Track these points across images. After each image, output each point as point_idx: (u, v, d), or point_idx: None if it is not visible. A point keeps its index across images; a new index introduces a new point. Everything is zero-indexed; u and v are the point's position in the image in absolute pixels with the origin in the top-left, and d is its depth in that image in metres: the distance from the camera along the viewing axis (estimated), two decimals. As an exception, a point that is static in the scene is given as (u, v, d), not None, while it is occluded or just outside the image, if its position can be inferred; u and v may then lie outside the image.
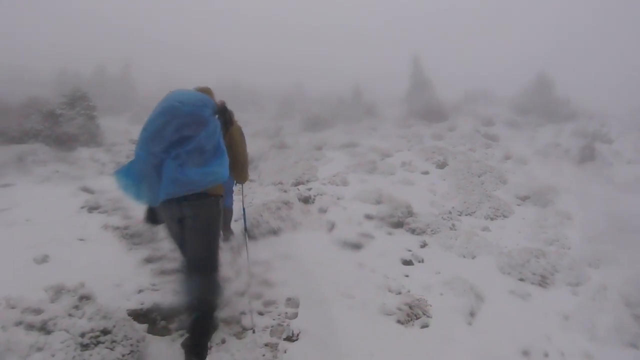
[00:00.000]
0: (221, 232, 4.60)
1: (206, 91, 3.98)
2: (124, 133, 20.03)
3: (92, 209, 7.68)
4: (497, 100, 28.06)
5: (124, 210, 7.72)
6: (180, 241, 3.74)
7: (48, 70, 34.35)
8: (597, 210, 10.48)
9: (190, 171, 3.26)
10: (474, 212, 10.17)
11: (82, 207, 7.71)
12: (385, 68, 41.28)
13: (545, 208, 10.81)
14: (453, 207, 10.33)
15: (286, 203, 8.23)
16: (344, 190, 10.93)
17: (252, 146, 19.30)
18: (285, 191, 10.04)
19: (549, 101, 24.57)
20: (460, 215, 9.99)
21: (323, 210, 8.90)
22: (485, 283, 6.52)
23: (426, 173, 13.42)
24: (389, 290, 5.83)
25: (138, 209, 6.34)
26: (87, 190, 9.23)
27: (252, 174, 14.63)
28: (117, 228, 6.78)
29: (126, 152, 14.54)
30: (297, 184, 11.79)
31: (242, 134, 4.21)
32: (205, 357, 3.57)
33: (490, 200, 10.63)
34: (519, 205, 11.06)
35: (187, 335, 3.64)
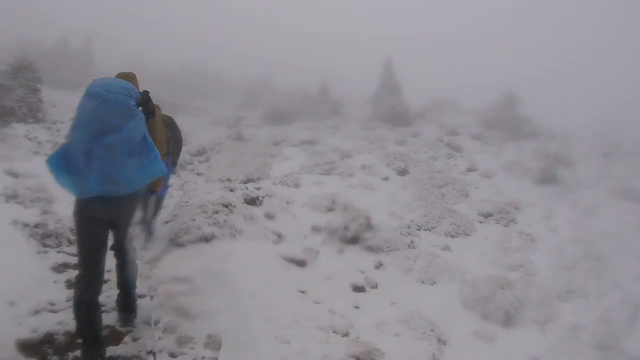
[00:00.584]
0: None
1: (129, 77, 3.94)
2: (74, 110, 18.38)
3: (10, 198, 6.68)
4: (463, 112, 27.37)
5: (43, 203, 6.79)
6: (101, 245, 3.40)
7: (8, 37, 32.22)
8: (563, 234, 9.72)
9: (127, 169, 3.16)
10: (434, 228, 9.19)
11: None
12: (356, 69, 40.47)
13: (508, 227, 9.95)
14: (412, 221, 9.35)
15: (227, 205, 7.04)
16: (298, 192, 9.88)
17: (208, 135, 18.23)
18: (231, 190, 8.71)
19: (512, 118, 24.16)
20: (419, 230, 9.04)
21: (269, 216, 7.79)
22: (447, 320, 5.52)
23: (386, 179, 12.45)
24: (334, 332, 4.69)
25: (60, 204, 6.13)
26: (11, 173, 8.18)
27: (201, 167, 13.46)
28: (27, 225, 5.72)
29: (67, 131, 12.70)
30: (246, 181, 10.64)
31: (162, 127, 4.20)
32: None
33: (452, 215, 9.68)
34: (481, 222, 10.14)
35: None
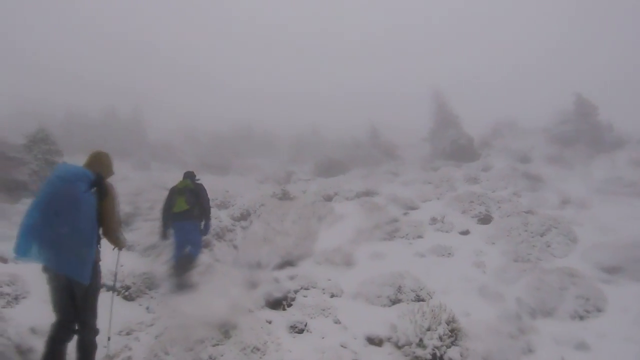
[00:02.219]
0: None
1: (98, 158, 4.18)
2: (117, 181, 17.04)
3: None
4: (528, 132, 24.13)
5: (4, 298, 5.52)
6: (65, 303, 3.72)
7: (57, 108, 32.91)
8: None
9: (70, 261, 3.52)
10: (555, 309, 6.10)
11: None
12: (405, 107, 38.63)
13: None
14: (519, 300, 6.27)
15: (224, 332, 4.59)
16: (350, 274, 7.29)
17: (252, 195, 16.07)
18: (253, 285, 6.32)
19: (591, 128, 20.75)
20: (533, 317, 5.97)
21: (297, 330, 5.11)
22: None
23: (466, 233, 9.59)
24: None
25: (27, 303, 5.55)
26: None
27: (239, 236, 11.14)
28: None
29: None
30: (282, 265, 8.03)
31: (114, 206, 4.00)
32: None
33: (574, 281, 6.56)
34: (606, 282, 7.05)
35: None
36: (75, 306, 3.71)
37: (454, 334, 4.83)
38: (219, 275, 7.22)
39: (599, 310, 6.19)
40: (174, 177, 17.88)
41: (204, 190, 7.23)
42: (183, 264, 6.65)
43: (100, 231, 3.92)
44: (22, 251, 3.47)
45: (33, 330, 4.98)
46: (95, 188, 3.78)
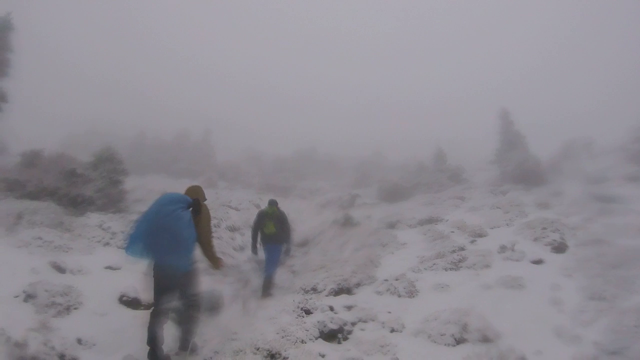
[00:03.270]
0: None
1: (195, 189, 5.57)
2: None
3: (29, 297, 5.87)
4: (605, 151, 22.57)
5: (54, 312, 5.74)
6: (164, 294, 4.93)
7: (131, 129, 35.12)
8: None
9: (173, 256, 4.67)
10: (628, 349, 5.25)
11: (16, 296, 5.92)
12: (470, 128, 37.91)
13: None
14: (596, 344, 5.49)
15: (274, 356, 4.53)
16: (412, 307, 6.89)
17: (314, 221, 16.04)
18: (307, 312, 6.16)
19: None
20: None
21: None
22: None
23: (539, 263, 8.86)
24: None
25: (78, 315, 5.80)
26: (57, 267, 7.48)
27: (298, 263, 11.07)
28: (9, 340, 4.42)
29: None
30: (338, 291, 7.79)
31: (208, 222, 5.31)
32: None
33: None
34: None
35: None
36: (178, 290, 4.98)
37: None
38: (274, 300, 7.18)
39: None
40: (239, 197, 18.48)
41: (287, 217, 8.84)
42: (266, 284, 8.24)
43: (199, 243, 5.14)
44: (131, 250, 4.67)
45: (79, 341, 5.08)
46: (191, 208, 5.01)
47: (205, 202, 5.52)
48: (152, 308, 4.91)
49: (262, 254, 8.80)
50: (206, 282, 7.73)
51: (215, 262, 5.29)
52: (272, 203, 8.91)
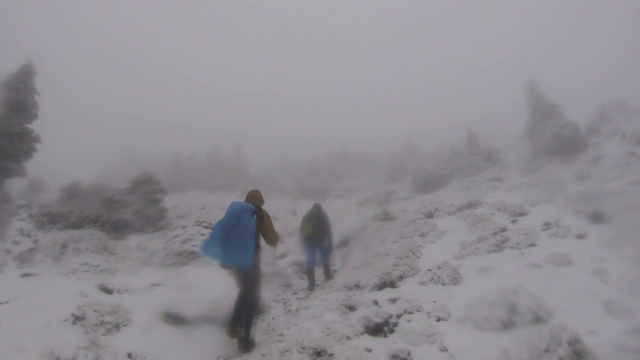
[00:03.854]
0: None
1: (254, 194, 6.65)
2: (224, 210, 17.99)
3: (77, 320, 6.13)
4: (638, 112, 21.62)
5: (104, 330, 6.00)
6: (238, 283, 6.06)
7: (164, 152, 36.32)
8: None
9: (239, 257, 5.60)
10: None
11: (65, 320, 6.15)
12: (496, 105, 37.36)
13: None
14: None
15: (320, 354, 4.53)
16: (456, 294, 6.80)
17: (353, 219, 16.05)
18: (350, 308, 6.16)
19: None
20: None
21: (397, 359, 4.76)
22: None
23: (582, 237, 8.54)
24: None
25: (126, 332, 6.03)
26: (104, 289, 8.05)
27: (339, 263, 11.19)
28: None
29: (185, 235, 11.66)
30: (381, 286, 7.74)
31: (270, 223, 6.28)
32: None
33: None
34: None
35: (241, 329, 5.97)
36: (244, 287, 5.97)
37: (576, 356, 4.37)
38: (317, 300, 7.23)
39: None
40: (274, 205, 18.64)
41: (327, 216, 10.35)
42: (310, 278, 9.87)
43: (262, 241, 6.24)
44: (208, 251, 5.73)
45: (129, 355, 5.27)
46: (255, 215, 5.95)
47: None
48: (238, 291, 6.10)
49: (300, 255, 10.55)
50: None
51: (275, 240, 6.42)
52: (316, 206, 10.29)
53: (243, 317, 5.94)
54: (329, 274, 10.11)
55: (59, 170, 31.00)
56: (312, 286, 9.74)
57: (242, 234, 5.64)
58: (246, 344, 5.84)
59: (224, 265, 5.84)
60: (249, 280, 5.98)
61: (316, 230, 9.93)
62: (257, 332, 6.36)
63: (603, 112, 22.70)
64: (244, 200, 6.33)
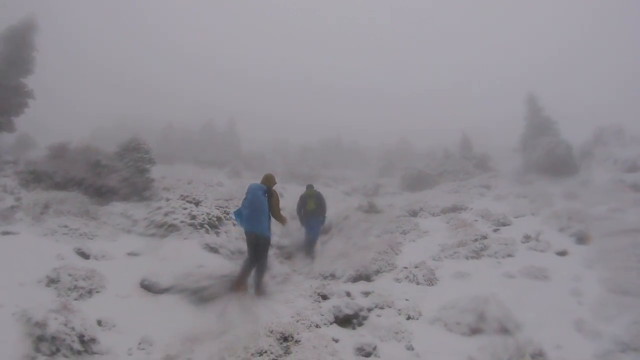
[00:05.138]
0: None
1: (267, 177, 7.92)
2: (211, 186, 17.80)
3: (51, 282, 6.04)
4: (634, 140, 21.55)
5: (76, 294, 5.90)
6: (252, 251, 7.24)
7: (157, 122, 35.80)
8: None
9: (257, 226, 7.12)
10: None
11: (39, 281, 6.05)
12: (495, 116, 37.40)
13: None
14: (615, 339, 5.15)
15: (287, 339, 4.49)
16: (430, 295, 6.81)
17: (339, 207, 15.95)
18: (323, 297, 6.29)
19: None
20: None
21: (366, 353, 4.75)
22: None
23: (563, 254, 8.57)
24: None
25: (101, 297, 6.03)
26: (81, 253, 7.80)
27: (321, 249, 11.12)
28: (29, 321, 4.48)
29: (168, 208, 11.03)
30: (356, 278, 7.83)
31: (276, 201, 7.63)
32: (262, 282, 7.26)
33: None
34: None
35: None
36: (256, 251, 7.16)
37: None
38: (293, 285, 7.34)
39: None
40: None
41: (322, 196, 11.22)
42: (310, 244, 10.52)
43: (271, 213, 7.40)
44: (237, 219, 7.40)
45: (99, 323, 5.14)
46: (266, 193, 7.32)
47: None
48: (246, 257, 7.39)
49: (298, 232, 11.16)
50: (227, 266, 7.96)
51: (282, 220, 7.73)
52: (310, 187, 11.41)
53: (250, 274, 7.17)
54: (312, 251, 10.43)
55: (51, 127, 30.44)
56: (312, 256, 10.14)
57: (257, 208, 7.13)
58: (259, 290, 7.00)
59: (247, 231, 7.26)
60: (261, 245, 7.18)
61: (317, 206, 10.80)
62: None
63: (600, 135, 22.67)
64: (261, 182, 7.67)
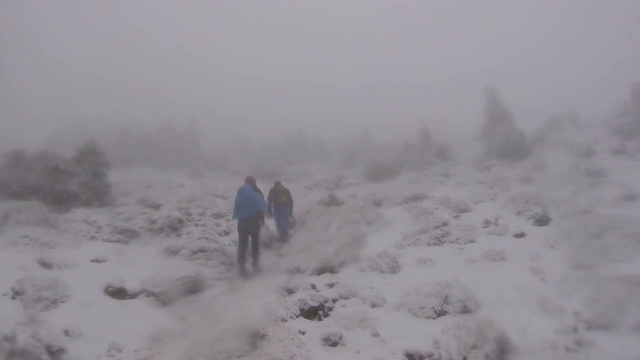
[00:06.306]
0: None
1: (250, 179, 9.87)
2: (171, 188, 17.41)
3: (17, 294, 5.92)
4: (591, 125, 22.37)
5: (42, 306, 5.73)
6: (244, 236, 8.95)
7: (115, 123, 34.52)
8: None
9: (249, 211, 8.85)
10: (615, 324, 5.08)
11: (5, 294, 5.94)
12: (458, 109, 37.94)
13: None
14: (577, 314, 5.36)
15: (251, 343, 4.47)
16: (394, 282, 6.88)
17: (301, 202, 15.89)
18: (290, 291, 6.30)
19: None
20: (589, 330, 5.08)
21: (332, 342, 4.81)
22: None
23: (521, 236, 8.85)
24: None
25: (66, 307, 5.88)
26: (43, 263, 7.62)
27: (285, 245, 11.08)
28: None
29: (128, 214, 11.40)
30: (321, 270, 7.87)
31: (262, 194, 9.86)
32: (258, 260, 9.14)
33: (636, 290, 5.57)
34: None
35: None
36: (250, 234, 8.97)
37: (503, 353, 4.37)
38: (259, 281, 7.33)
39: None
40: (226, 185, 18.23)
41: (289, 191, 12.52)
42: (285, 231, 11.67)
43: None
44: (236, 215, 8.99)
45: (66, 332, 5.06)
46: (254, 190, 9.30)
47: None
48: (238, 243, 9.01)
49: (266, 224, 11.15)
50: (187, 267, 7.86)
51: (261, 218, 9.15)
52: (278, 182, 12.65)
53: (246, 260, 8.84)
54: (287, 237, 11.56)
55: (13, 132, 29.08)
56: (285, 241, 11.27)
57: (250, 199, 8.92)
58: (257, 267, 8.84)
59: (240, 219, 8.89)
60: (254, 228, 8.94)
61: (287, 200, 12.07)
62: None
63: (554, 122, 23.40)
64: (245, 182, 9.60)
